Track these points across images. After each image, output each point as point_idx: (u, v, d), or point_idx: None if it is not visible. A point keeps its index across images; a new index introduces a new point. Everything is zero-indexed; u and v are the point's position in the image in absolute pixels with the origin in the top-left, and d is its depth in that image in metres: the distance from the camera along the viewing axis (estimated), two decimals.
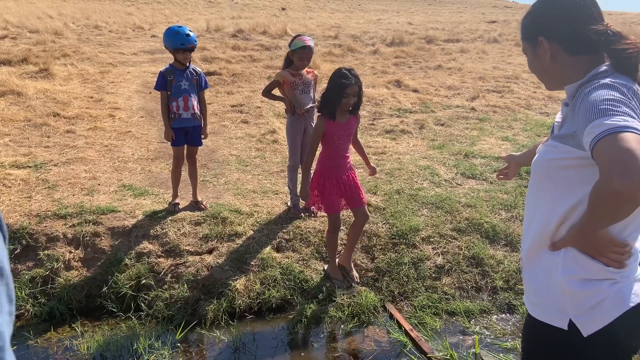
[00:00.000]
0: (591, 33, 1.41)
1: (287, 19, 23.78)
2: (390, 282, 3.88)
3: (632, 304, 1.41)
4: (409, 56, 13.62)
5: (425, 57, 13.56)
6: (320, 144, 3.65)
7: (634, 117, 1.22)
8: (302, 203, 4.50)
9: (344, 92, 3.39)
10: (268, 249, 4.03)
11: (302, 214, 4.48)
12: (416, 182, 5.32)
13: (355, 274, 3.90)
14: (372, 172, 3.91)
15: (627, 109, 1.23)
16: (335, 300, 3.67)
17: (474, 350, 3.25)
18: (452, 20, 27.98)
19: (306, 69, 4.39)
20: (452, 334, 3.42)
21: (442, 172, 5.59)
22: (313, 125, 4.32)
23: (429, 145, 6.65)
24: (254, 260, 3.89)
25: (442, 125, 7.62)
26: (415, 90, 9.74)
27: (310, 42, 4.24)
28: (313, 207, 4.39)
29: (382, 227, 4.37)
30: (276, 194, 4.94)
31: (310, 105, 4.40)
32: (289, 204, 4.63)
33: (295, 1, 40.07)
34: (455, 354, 3.17)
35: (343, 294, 3.71)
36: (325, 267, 3.93)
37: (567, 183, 1.41)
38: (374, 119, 7.86)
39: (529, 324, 1.60)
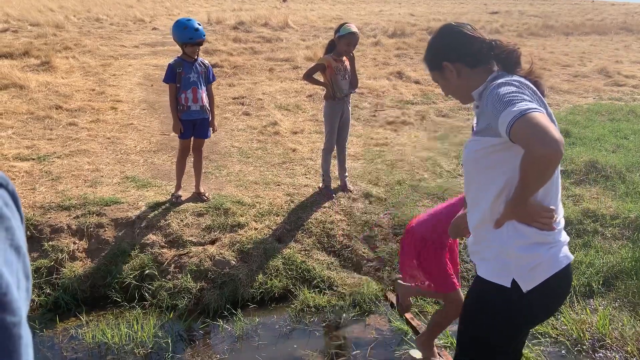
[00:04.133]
0: (481, 45, 1.78)
1: (288, 11, 23.69)
2: (391, 271, 3.91)
3: (562, 265, 1.75)
4: (410, 47, 13.58)
5: None
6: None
7: (531, 101, 1.54)
8: (333, 185, 4.76)
9: None
10: (270, 239, 4.06)
11: (334, 195, 4.61)
12: (417, 173, 5.34)
13: None
14: None
15: (524, 96, 1.55)
16: (336, 290, 3.70)
17: None
18: (454, 11, 27.86)
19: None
20: (453, 322, 3.45)
21: (444, 163, 5.61)
22: (350, 109, 4.68)
23: (430, 136, 6.66)
24: (257, 251, 3.93)
25: (443, 116, 7.62)
26: (416, 82, 9.73)
27: (356, 29, 4.41)
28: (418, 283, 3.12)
29: (384, 218, 4.39)
30: (278, 185, 4.97)
31: (350, 91, 4.57)
32: (320, 185, 4.76)
33: None
34: (455, 341, 3.20)
35: (345, 284, 3.75)
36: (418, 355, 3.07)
37: (495, 165, 1.70)
38: (376, 110, 7.86)
39: (475, 282, 1.92)
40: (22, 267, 0.57)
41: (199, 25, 4.16)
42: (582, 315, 3.40)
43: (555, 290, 1.80)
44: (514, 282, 1.72)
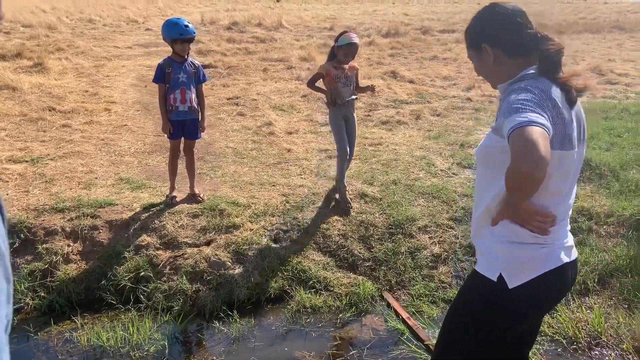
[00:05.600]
0: (524, 37, 1.69)
1: (282, 10, 23.66)
2: (387, 271, 3.91)
3: (552, 267, 1.70)
4: (404, 47, 13.60)
5: (420, 48, 13.55)
6: None
7: (541, 114, 1.50)
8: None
9: None
10: (265, 240, 4.05)
11: (350, 206, 4.46)
12: (412, 172, 5.34)
13: None
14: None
15: (535, 107, 1.51)
16: (332, 290, 3.70)
17: None
18: (447, 10, 27.90)
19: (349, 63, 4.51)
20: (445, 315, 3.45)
21: (438, 162, 5.61)
22: (354, 114, 4.64)
23: (425, 135, 6.67)
24: (252, 252, 3.92)
25: (437, 115, 7.63)
26: (411, 81, 9.74)
27: (356, 39, 4.40)
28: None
29: (379, 217, 4.39)
30: (273, 185, 4.96)
31: (351, 97, 4.55)
32: (336, 196, 4.58)
33: None
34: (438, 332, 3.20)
35: (341, 284, 3.74)
36: None
37: (501, 164, 1.64)
38: (370, 110, 7.87)
39: (470, 274, 1.93)
40: (2, 270, 0.55)
41: (189, 23, 4.16)
42: (578, 314, 3.41)
43: (545, 291, 1.75)
44: (500, 277, 1.72)
